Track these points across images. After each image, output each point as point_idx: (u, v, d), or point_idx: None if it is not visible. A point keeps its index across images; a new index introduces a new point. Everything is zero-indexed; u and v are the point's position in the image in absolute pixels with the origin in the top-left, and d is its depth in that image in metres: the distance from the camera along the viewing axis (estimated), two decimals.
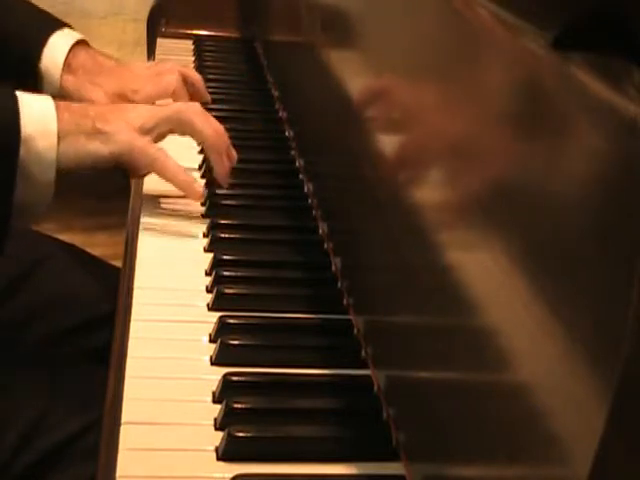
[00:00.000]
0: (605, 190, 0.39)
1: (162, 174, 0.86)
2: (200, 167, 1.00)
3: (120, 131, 0.84)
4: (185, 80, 1.08)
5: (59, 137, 0.81)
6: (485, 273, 0.51)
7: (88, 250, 1.13)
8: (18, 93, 0.82)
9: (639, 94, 0.38)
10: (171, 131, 0.89)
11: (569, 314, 0.40)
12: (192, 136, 0.90)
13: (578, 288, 0.40)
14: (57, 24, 1.07)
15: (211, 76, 1.29)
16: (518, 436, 0.44)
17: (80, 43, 1.07)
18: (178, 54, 1.39)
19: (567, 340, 0.40)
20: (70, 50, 1.05)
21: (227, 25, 1.48)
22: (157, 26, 1.47)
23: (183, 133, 0.90)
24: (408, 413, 0.62)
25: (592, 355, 0.38)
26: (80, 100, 1.03)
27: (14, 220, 0.80)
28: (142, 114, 0.87)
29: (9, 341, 0.89)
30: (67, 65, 1.05)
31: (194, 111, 0.90)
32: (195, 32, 1.47)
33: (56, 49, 1.05)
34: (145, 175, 0.90)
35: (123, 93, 1.05)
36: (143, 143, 0.85)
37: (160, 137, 0.88)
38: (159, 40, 1.44)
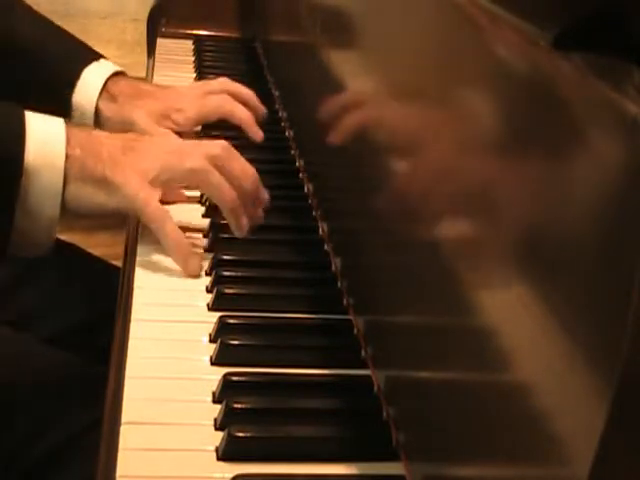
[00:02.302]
0: (605, 190, 0.39)
1: (159, 238, 0.81)
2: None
3: (128, 183, 0.79)
4: (235, 97, 1.06)
5: (67, 175, 0.78)
6: (485, 273, 0.51)
7: (88, 250, 1.13)
8: (28, 116, 0.79)
9: (639, 94, 0.38)
10: (186, 187, 0.86)
11: (569, 314, 0.40)
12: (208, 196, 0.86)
13: (578, 288, 0.40)
14: (93, 56, 1.06)
15: (211, 76, 1.29)
16: (518, 436, 0.44)
17: (119, 74, 1.05)
18: (178, 54, 1.39)
19: (567, 340, 0.40)
20: (109, 80, 1.03)
21: (227, 25, 1.48)
22: (157, 26, 1.47)
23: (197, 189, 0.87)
24: (408, 413, 0.62)
25: (592, 355, 0.38)
26: (122, 123, 1.01)
27: (14, 252, 0.79)
28: (156, 165, 0.81)
29: (9, 341, 0.89)
30: (106, 92, 1.03)
31: (209, 171, 0.82)
32: (195, 32, 1.47)
33: (90, 83, 1.03)
34: None
35: (166, 113, 1.03)
36: (147, 201, 0.79)
37: (173, 189, 0.86)
38: (159, 40, 1.44)
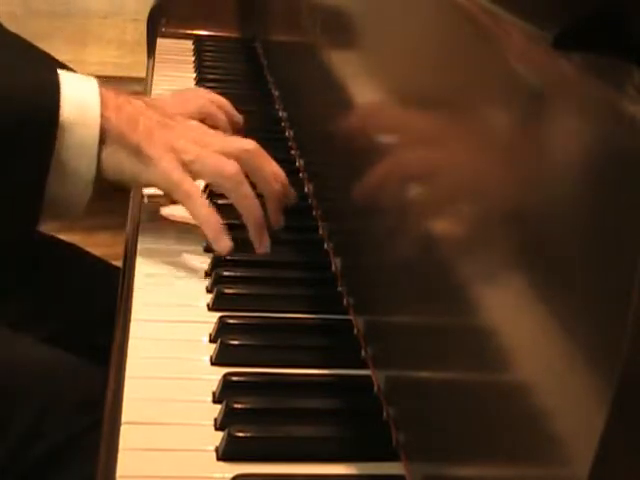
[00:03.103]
0: (605, 190, 0.39)
1: (191, 213, 0.81)
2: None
3: (163, 159, 0.79)
4: (214, 103, 1.04)
5: (102, 136, 0.77)
6: (485, 273, 0.51)
7: (88, 250, 1.13)
8: (61, 74, 0.78)
9: (639, 94, 0.38)
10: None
11: (569, 314, 0.40)
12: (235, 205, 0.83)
13: (578, 288, 0.40)
14: (57, 66, 1.05)
15: (211, 76, 1.29)
16: (518, 436, 0.44)
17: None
18: (178, 54, 1.39)
19: (567, 340, 0.40)
20: None
21: (227, 25, 1.48)
22: (157, 26, 1.47)
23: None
24: (408, 413, 0.62)
25: (592, 355, 0.38)
26: None
27: (47, 215, 0.78)
28: (191, 151, 0.81)
29: (9, 341, 0.89)
30: None
31: (241, 181, 0.81)
32: (195, 32, 1.47)
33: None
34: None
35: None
36: (179, 178, 0.79)
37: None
38: (159, 40, 1.44)
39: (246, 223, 0.82)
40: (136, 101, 0.84)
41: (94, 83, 0.80)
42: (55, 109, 0.76)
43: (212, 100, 1.06)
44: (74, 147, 0.77)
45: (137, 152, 0.79)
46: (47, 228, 1.13)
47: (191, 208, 0.80)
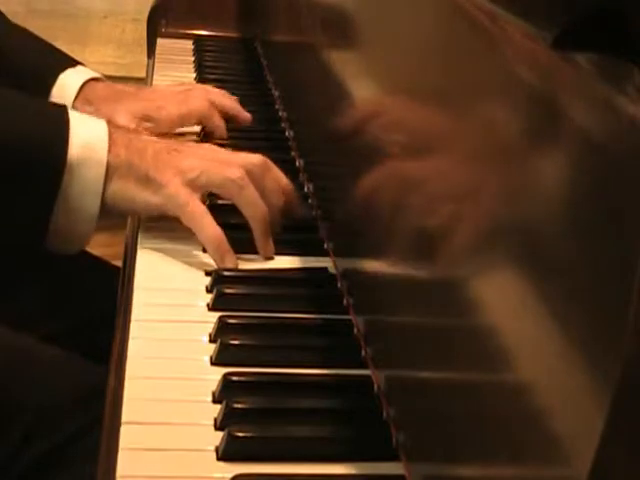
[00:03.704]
0: (605, 190, 0.39)
1: (197, 234, 0.81)
2: None
3: (170, 182, 0.80)
4: (214, 106, 1.05)
5: (109, 173, 0.79)
6: (485, 273, 0.51)
7: (88, 250, 1.13)
8: (71, 115, 0.81)
9: (639, 94, 0.38)
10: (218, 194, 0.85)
11: (569, 314, 0.40)
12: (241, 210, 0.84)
13: (578, 288, 0.40)
14: (69, 62, 1.06)
15: (211, 76, 1.29)
16: (518, 436, 0.44)
17: (97, 80, 1.05)
18: (178, 54, 1.39)
19: (567, 340, 0.40)
20: (85, 85, 1.03)
21: (227, 25, 1.48)
22: (157, 26, 1.47)
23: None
24: (408, 413, 0.62)
25: (592, 355, 0.38)
26: None
27: (50, 245, 0.80)
28: (196, 168, 0.82)
29: (9, 341, 0.89)
30: (82, 97, 1.03)
31: (245, 185, 0.82)
32: (195, 32, 1.47)
33: (65, 87, 1.03)
34: None
35: (147, 113, 1.02)
36: (186, 200, 0.80)
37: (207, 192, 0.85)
38: (159, 40, 1.44)
39: (251, 228, 0.83)
40: (146, 136, 0.86)
41: (103, 124, 0.82)
42: (63, 151, 0.78)
43: (214, 101, 1.06)
44: (80, 185, 0.79)
45: (146, 180, 0.81)
46: None
47: (197, 229, 0.81)
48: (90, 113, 0.99)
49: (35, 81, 1.04)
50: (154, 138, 0.85)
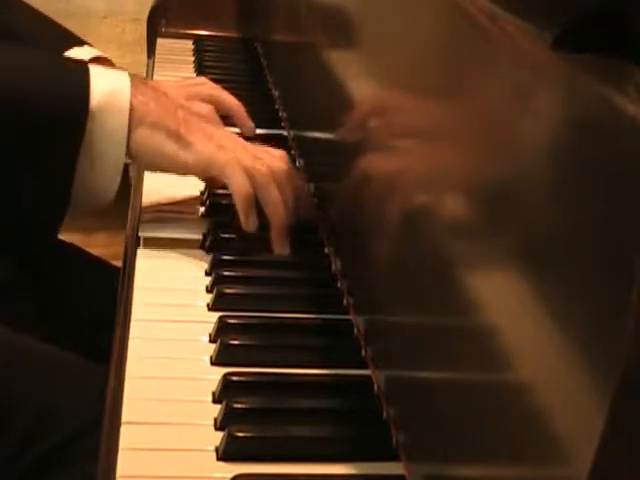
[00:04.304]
0: (605, 190, 0.39)
1: (228, 182, 0.82)
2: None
3: (200, 141, 0.81)
4: (218, 107, 1.04)
5: (135, 120, 0.79)
6: (485, 273, 0.51)
7: (88, 250, 1.13)
8: (91, 66, 0.81)
9: (639, 94, 0.38)
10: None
11: (569, 314, 0.40)
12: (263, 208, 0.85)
13: (578, 288, 0.40)
14: (75, 41, 1.06)
15: (211, 76, 1.29)
16: (518, 436, 0.44)
17: (103, 62, 1.05)
18: (178, 54, 1.39)
19: (567, 340, 0.40)
20: None
21: (227, 25, 1.48)
22: (157, 26, 1.47)
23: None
24: (408, 413, 0.62)
25: (592, 355, 0.38)
26: None
27: (78, 202, 0.80)
28: (226, 144, 0.83)
29: (9, 340, 0.89)
30: None
31: (270, 186, 0.83)
32: (195, 32, 1.46)
33: None
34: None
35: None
36: (215, 154, 0.82)
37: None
38: (159, 40, 1.44)
39: (270, 223, 0.84)
40: (170, 95, 0.86)
41: (125, 75, 0.82)
42: (85, 99, 0.78)
43: (219, 102, 1.05)
44: (103, 133, 0.79)
45: (177, 136, 0.81)
46: None
47: (228, 175, 0.81)
48: None
49: None
50: (178, 101, 0.86)
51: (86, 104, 0.78)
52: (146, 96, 0.81)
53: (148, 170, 0.90)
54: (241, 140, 0.87)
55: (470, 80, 0.55)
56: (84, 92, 0.78)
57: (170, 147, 0.81)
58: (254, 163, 0.83)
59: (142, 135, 0.80)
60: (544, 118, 0.45)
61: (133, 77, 0.83)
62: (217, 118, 1.02)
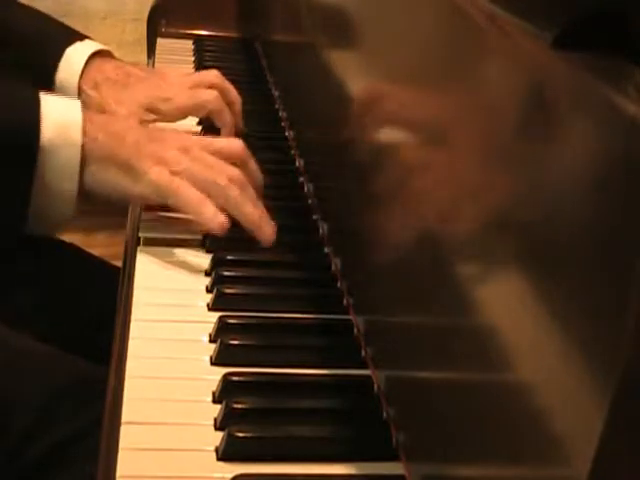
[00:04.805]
0: (605, 190, 0.39)
1: (183, 207, 0.81)
2: None
3: (151, 169, 0.80)
4: (223, 97, 1.03)
5: (86, 155, 0.78)
6: (485, 273, 0.51)
7: (88, 250, 1.13)
8: (42, 96, 0.80)
9: (639, 94, 0.38)
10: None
11: (569, 314, 0.40)
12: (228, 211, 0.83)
13: (578, 288, 0.40)
14: (76, 36, 1.06)
15: None
16: (518, 436, 0.44)
17: (105, 55, 1.04)
18: (178, 54, 1.39)
19: (567, 340, 0.40)
20: (93, 62, 1.02)
21: (227, 25, 1.48)
22: (157, 26, 1.47)
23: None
24: (408, 413, 0.62)
25: (592, 355, 0.38)
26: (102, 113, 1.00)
27: (34, 228, 0.80)
28: (180, 160, 0.81)
29: (9, 340, 0.89)
30: (90, 80, 1.02)
31: (228, 186, 0.82)
32: (195, 32, 1.46)
33: (72, 61, 1.02)
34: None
35: (152, 104, 1.01)
36: (168, 180, 0.80)
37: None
38: (159, 40, 1.44)
39: (244, 225, 0.83)
40: (123, 117, 0.84)
41: (77, 104, 0.81)
42: (35, 133, 0.77)
43: (224, 90, 1.05)
44: (56, 168, 0.78)
45: (127, 167, 0.80)
46: None
47: (182, 200, 0.80)
48: (95, 99, 0.99)
49: (41, 54, 1.03)
50: (132, 122, 0.84)
51: (36, 139, 0.77)
52: (96, 127, 0.80)
53: (107, 203, 0.89)
54: (195, 150, 0.85)
55: (470, 80, 0.55)
56: (34, 127, 0.77)
57: (122, 180, 0.80)
58: (210, 177, 0.82)
59: (93, 171, 0.79)
60: (544, 118, 0.45)
61: (84, 105, 0.81)
62: (222, 104, 1.02)
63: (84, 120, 0.79)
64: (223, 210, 0.82)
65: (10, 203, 0.79)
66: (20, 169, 0.78)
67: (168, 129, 0.87)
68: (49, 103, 0.79)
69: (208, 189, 0.82)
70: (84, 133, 0.79)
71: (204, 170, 0.82)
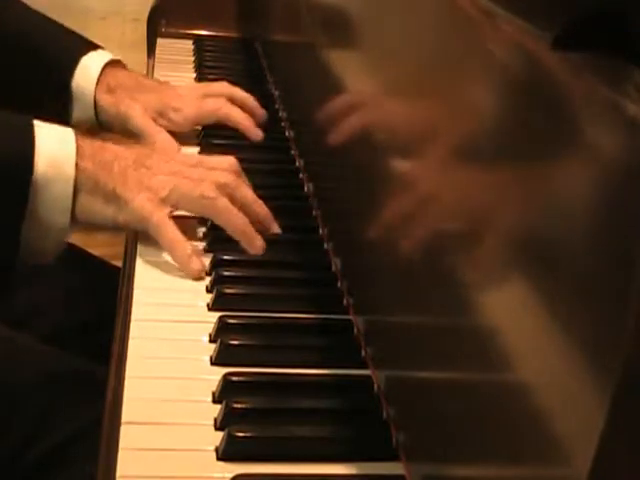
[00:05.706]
0: (605, 190, 0.39)
1: (160, 242, 0.81)
2: None
3: (135, 198, 0.80)
4: (233, 101, 1.07)
5: (77, 188, 0.78)
6: (485, 273, 0.51)
7: (88, 250, 1.13)
8: (37, 128, 0.79)
9: (639, 94, 0.38)
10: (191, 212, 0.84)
11: (569, 314, 0.40)
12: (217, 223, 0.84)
13: (578, 288, 0.40)
14: (91, 46, 1.08)
15: (211, 76, 1.29)
16: (518, 436, 0.44)
17: (117, 65, 1.07)
18: (178, 54, 1.39)
19: (567, 340, 0.40)
20: (107, 70, 1.05)
21: (227, 25, 1.48)
22: (157, 26, 1.47)
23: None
24: (408, 413, 0.62)
25: (592, 355, 0.38)
26: (118, 116, 1.03)
27: (26, 260, 0.80)
28: (166, 186, 0.81)
29: (9, 340, 0.89)
30: (105, 85, 1.05)
31: (216, 198, 0.82)
32: (195, 32, 1.46)
33: (89, 69, 1.05)
34: None
35: (164, 110, 1.04)
36: (149, 212, 0.80)
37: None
38: (159, 40, 1.44)
39: (233, 236, 0.83)
40: (111, 145, 0.84)
41: (71, 136, 0.80)
42: (29, 169, 0.77)
43: (232, 96, 1.07)
44: (48, 202, 0.78)
45: (112, 196, 0.80)
46: None
47: (160, 238, 0.80)
48: (111, 102, 1.03)
49: (57, 64, 1.05)
50: (122, 148, 0.84)
51: (30, 173, 0.77)
52: (87, 157, 0.80)
53: (98, 231, 0.89)
54: (183, 163, 0.85)
55: (470, 80, 0.55)
56: (28, 160, 0.77)
57: (109, 210, 0.80)
58: (197, 191, 0.81)
59: (83, 202, 0.79)
60: (544, 118, 0.45)
61: (77, 134, 0.81)
62: (230, 106, 1.05)
63: (76, 153, 0.79)
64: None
65: (2, 234, 0.79)
66: (12, 202, 0.77)
67: (160, 153, 0.87)
68: (43, 134, 0.79)
69: (197, 207, 0.83)
70: (77, 167, 0.79)
71: (191, 188, 0.82)
